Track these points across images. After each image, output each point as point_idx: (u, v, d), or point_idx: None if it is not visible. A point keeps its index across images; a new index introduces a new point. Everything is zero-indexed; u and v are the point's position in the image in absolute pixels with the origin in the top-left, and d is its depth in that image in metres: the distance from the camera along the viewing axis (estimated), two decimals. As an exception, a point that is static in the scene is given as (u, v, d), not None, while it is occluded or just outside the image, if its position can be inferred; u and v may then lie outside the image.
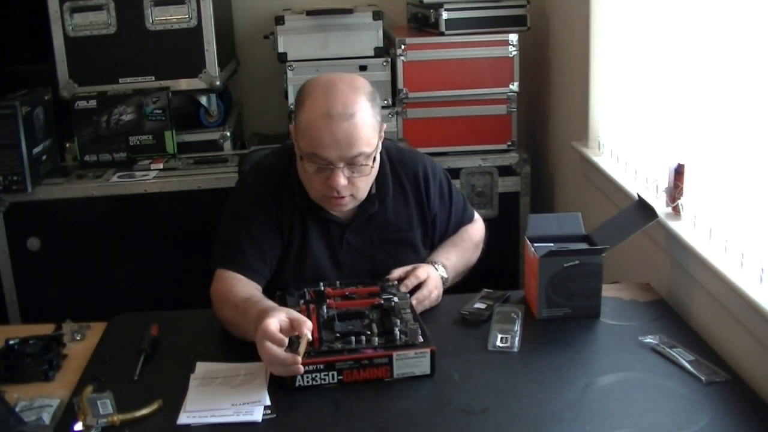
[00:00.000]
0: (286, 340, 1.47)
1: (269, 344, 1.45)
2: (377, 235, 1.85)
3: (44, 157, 2.76)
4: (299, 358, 1.45)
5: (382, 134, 1.76)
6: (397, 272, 1.79)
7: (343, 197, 1.72)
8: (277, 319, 1.48)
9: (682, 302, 1.84)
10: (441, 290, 1.82)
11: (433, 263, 1.84)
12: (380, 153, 1.79)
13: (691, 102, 1.90)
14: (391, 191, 1.85)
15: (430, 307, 1.79)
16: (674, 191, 1.91)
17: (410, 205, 1.88)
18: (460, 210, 1.98)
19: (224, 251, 1.77)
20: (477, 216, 2.05)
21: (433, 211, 1.90)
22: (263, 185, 1.83)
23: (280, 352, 1.45)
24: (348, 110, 1.65)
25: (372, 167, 1.73)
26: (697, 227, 1.83)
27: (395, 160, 1.88)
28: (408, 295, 1.69)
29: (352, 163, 1.68)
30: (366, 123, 1.67)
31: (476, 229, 2.02)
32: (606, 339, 1.70)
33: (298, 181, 1.80)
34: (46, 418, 1.43)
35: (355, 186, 1.72)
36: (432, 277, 1.79)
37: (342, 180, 1.68)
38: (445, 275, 1.85)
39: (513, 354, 1.63)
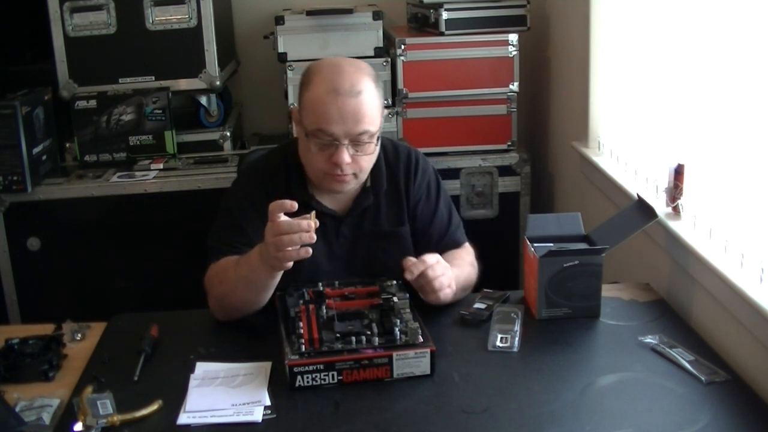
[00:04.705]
0: (296, 204, 1.54)
1: (282, 216, 1.52)
2: (371, 229, 1.86)
3: (44, 157, 2.76)
4: (312, 224, 1.52)
5: (383, 118, 1.79)
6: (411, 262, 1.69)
7: (346, 175, 1.74)
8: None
9: (682, 302, 1.84)
10: (451, 275, 1.73)
11: None
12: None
13: (691, 102, 1.90)
14: (385, 185, 1.86)
15: (441, 296, 1.70)
16: (674, 191, 1.91)
17: (401, 199, 1.88)
18: (446, 219, 1.92)
19: (217, 247, 1.79)
20: (467, 243, 1.96)
21: (417, 197, 1.89)
22: (254, 183, 1.85)
23: (293, 220, 1.52)
24: (355, 88, 1.69)
25: (375, 146, 1.76)
26: (697, 227, 1.83)
27: (390, 153, 1.90)
28: (407, 295, 1.69)
29: (356, 141, 1.71)
30: (371, 102, 1.72)
31: (467, 252, 1.94)
32: (606, 339, 1.70)
33: (296, 175, 1.82)
34: (46, 418, 1.43)
35: (358, 165, 1.75)
36: (442, 262, 1.71)
37: (346, 157, 1.71)
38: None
39: (513, 354, 1.63)
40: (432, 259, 1.70)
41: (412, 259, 1.69)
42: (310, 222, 1.53)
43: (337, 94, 1.68)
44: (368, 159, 1.77)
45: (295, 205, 1.54)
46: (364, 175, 1.80)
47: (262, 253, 1.60)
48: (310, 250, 1.55)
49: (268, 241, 1.56)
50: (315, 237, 1.53)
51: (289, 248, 1.53)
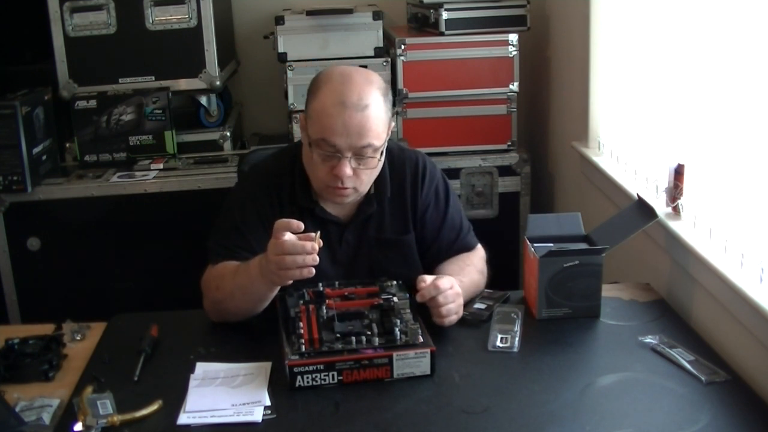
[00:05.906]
0: (303, 225, 1.53)
1: (288, 235, 1.52)
2: (374, 236, 1.86)
3: (44, 157, 2.76)
4: (316, 246, 1.52)
5: (390, 131, 1.77)
6: (428, 279, 1.68)
7: (346, 188, 1.73)
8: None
9: (682, 302, 1.84)
10: (461, 302, 1.72)
11: None
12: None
13: (691, 102, 1.90)
14: (389, 192, 1.85)
15: (446, 322, 1.68)
16: (674, 191, 1.91)
17: (407, 207, 1.87)
18: (457, 224, 1.91)
19: (216, 249, 1.78)
20: (479, 245, 1.96)
21: (425, 204, 1.88)
22: (261, 187, 1.84)
23: (297, 240, 1.52)
24: (362, 101, 1.68)
25: (378, 161, 1.75)
26: (697, 227, 1.83)
27: (396, 159, 1.88)
28: (407, 295, 1.69)
29: (359, 155, 1.70)
30: (378, 116, 1.70)
31: (478, 257, 1.92)
32: (606, 339, 1.70)
33: (300, 181, 1.81)
34: (46, 418, 1.43)
35: (359, 178, 1.73)
36: (455, 288, 1.69)
37: (347, 170, 1.70)
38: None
39: (513, 354, 1.63)
40: (446, 284, 1.67)
41: (427, 278, 1.66)
42: (314, 244, 1.52)
43: (343, 106, 1.67)
44: (370, 173, 1.75)
45: (302, 226, 1.54)
46: (364, 189, 1.78)
47: (262, 267, 1.60)
48: (313, 270, 1.54)
49: (270, 259, 1.55)
50: (318, 259, 1.53)
51: (292, 269, 1.53)
